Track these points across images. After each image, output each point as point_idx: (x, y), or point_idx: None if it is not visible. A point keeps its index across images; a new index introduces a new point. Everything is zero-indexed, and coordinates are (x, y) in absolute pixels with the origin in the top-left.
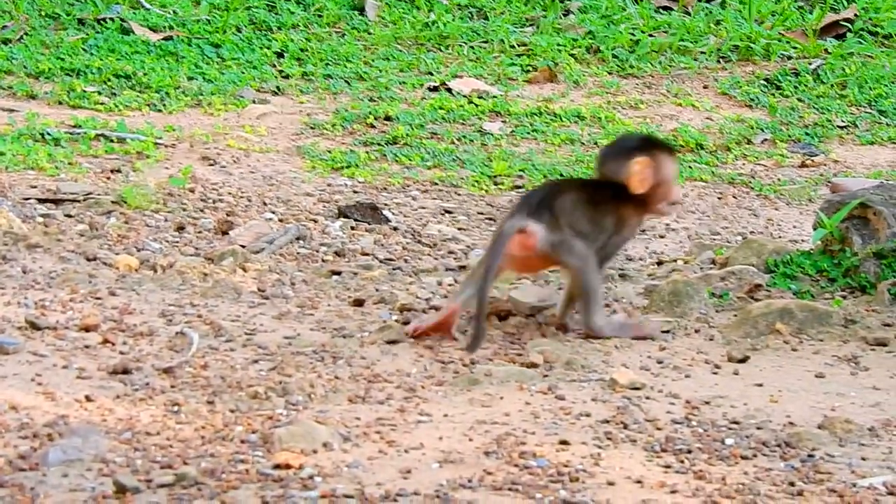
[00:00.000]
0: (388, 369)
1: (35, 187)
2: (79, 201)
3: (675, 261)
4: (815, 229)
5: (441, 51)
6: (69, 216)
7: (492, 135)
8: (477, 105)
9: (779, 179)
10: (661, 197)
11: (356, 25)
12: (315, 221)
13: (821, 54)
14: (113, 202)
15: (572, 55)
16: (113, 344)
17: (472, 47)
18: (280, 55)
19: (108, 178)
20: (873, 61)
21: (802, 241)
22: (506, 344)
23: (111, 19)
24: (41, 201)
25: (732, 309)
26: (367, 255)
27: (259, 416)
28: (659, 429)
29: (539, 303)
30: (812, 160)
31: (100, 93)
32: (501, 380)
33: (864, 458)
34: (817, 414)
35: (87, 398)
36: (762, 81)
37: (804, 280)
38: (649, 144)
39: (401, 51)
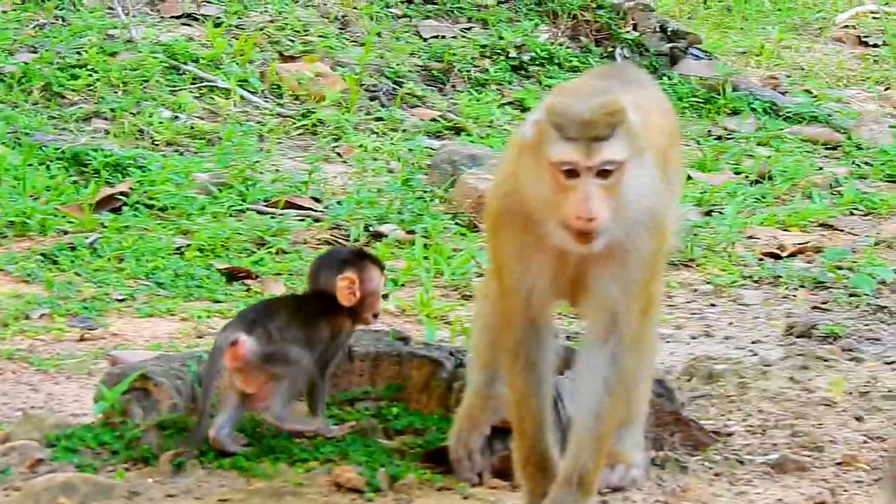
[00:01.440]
0: None
1: None
2: None
3: None
4: (96, 402)
5: None
6: None
7: None
8: None
9: (58, 354)
10: (368, 308)
11: None
12: None
13: (97, 228)
14: None
15: None
16: None
17: None
18: None
19: None
20: (149, 234)
21: (84, 414)
22: None
23: None
24: None
25: (14, 485)
26: None
27: None
28: None
29: None
30: (91, 333)
31: None
32: None
33: None
34: None
35: None
36: (39, 256)
37: (86, 453)
38: (358, 259)
39: None
